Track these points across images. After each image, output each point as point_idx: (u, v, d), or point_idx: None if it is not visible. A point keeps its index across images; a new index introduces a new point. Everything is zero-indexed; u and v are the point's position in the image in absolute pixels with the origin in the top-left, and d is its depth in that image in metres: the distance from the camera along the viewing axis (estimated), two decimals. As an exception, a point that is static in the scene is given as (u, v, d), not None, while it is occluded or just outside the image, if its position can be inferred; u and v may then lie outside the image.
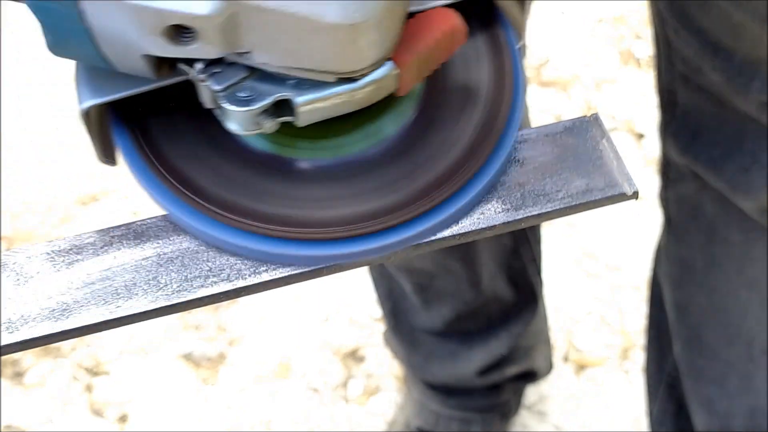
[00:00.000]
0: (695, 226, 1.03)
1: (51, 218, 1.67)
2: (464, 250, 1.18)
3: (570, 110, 1.77)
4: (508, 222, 0.51)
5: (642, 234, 1.54)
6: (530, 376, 1.38)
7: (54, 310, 0.48)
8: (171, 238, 0.51)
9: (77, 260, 0.50)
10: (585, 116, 0.54)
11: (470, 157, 0.50)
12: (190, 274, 0.49)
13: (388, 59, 0.46)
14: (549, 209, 0.51)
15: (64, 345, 1.53)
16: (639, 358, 1.45)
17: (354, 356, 1.52)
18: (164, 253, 0.50)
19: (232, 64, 0.46)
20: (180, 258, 0.50)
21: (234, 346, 1.53)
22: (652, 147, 1.68)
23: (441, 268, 1.21)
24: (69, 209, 1.68)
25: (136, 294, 0.49)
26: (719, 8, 0.84)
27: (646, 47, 1.85)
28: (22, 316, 0.48)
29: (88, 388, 1.50)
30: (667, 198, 1.06)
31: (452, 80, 0.52)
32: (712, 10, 0.85)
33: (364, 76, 0.46)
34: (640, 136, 1.73)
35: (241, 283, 0.49)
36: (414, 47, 0.47)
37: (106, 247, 0.50)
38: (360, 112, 0.49)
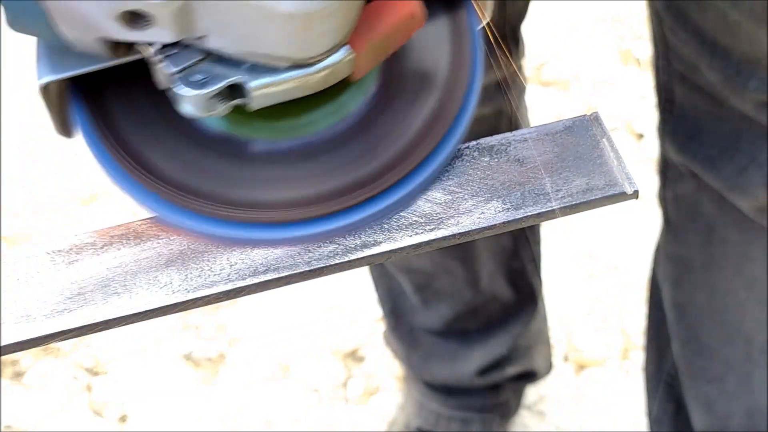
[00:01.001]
0: (693, 226, 1.03)
1: (51, 218, 1.67)
2: (463, 250, 1.18)
3: (570, 110, 1.77)
4: (508, 221, 0.51)
5: (642, 234, 1.54)
6: (530, 377, 1.38)
7: (54, 309, 0.48)
8: (171, 238, 0.51)
9: (77, 260, 0.50)
10: (585, 115, 0.54)
11: (419, 141, 0.50)
12: (190, 273, 0.49)
13: (344, 44, 0.46)
14: (549, 209, 0.51)
15: (64, 345, 1.53)
16: (639, 358, 1.45)
17: (354, 356, 1.52)
18: (164, 253, 0.50)
19: (187, 46, 0.46)
20: (180, 258, 0.50)
21: (234, 346, 1.53)
22: (652, 147, 1.68)
23: (440, 268, 1.21)
24: (69, 209, 1.68)
25: (136, 294, 0.49)
26: (715, 7, 0.84)
27: (646, 47, 1.85)
28: (22, 316, 0.48)
29: (88, 388, 1.50)
30: (665, 197, 1.06)
31: (410, 63, 0.52)
32: (708, 9, 0.85)
33: (319, 62, 0.46)
34: (640, 136, 1.73)
35: (241, 283, 0.49)
36: (370, 33, 0.47)
37: (106, 247, 0.50)
38: (315, 95, 0.49)
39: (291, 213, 0.48)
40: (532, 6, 1.05)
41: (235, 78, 0.46)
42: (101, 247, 0.50)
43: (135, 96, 0.50)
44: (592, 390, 1.47)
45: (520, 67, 1.12)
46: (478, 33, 0.53)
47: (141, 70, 0.48)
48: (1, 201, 1.67)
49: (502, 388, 1.37)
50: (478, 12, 0.53)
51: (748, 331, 1.05)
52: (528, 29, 1.09)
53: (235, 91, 0.47)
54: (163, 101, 0.49)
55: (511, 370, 1.33)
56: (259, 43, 0.45)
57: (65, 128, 0.51)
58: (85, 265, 0.50)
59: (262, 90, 0.46)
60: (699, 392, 1.12)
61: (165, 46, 0.45)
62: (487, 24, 0.54)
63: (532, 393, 1.47)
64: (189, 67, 0.46)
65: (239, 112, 0.49)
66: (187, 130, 0.50)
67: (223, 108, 0.47)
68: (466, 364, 1.31)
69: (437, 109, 0.51)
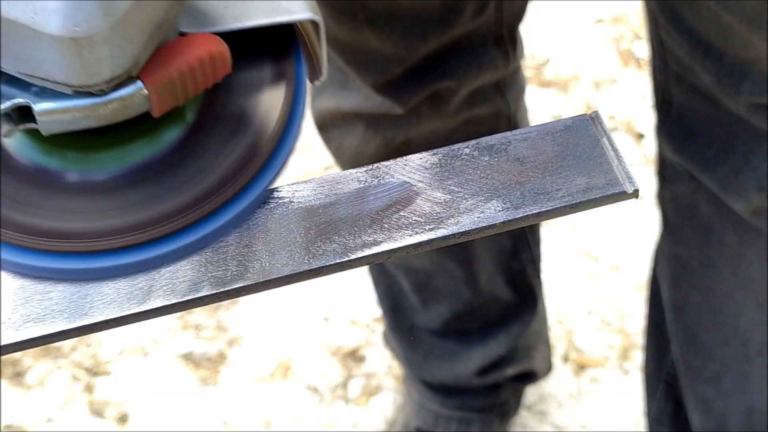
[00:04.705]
0: (691, 226, 1.03)
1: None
2: (461, 250, 1.18)
3: (570, 110, 1.77)
4: (508, 221, 0.51)
5: (642, 234, 1.54)
6: (529, 377, 1.38)
7: (54, 309, 0.48)
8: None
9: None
10: (585, 114, 0.54)
11: (229, 179, 0.50)
12: (190, 273, 0.49)
13: (136, 78, 0.46)
14: (549, 208, 0.51)
15: (64, 345, 1.53)
16: (639, 358, 1.45)
17: (354, 356, 1.52)
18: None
19: None
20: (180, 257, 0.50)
21: (234, 346, 1.53)
22: (652, 147, 1.68)
23: (438, 267, 1.21)
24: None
25: (136, 293, 0.49)
26: (708, 9, 0.84)
27: (645, 47, 1.85)
28: (22, 316, 0.48)
29: (88, 388, 1.50)
30: (663, 197, 1.06)
31: (228, 105, 0.52)
32: (701, 11, 0.85)
33: (104, 92, 0.46)
34: (640, 136, 1.73)
35: (241, 283, 0.49)
36: (165, 69, 0.47)
37: (105, 247, 0.50)
38: (128, 128, 0.49)
39: (100, 243, 0.48)
40: (531, 6, 1.05)
41: (20, 100, 0.46)
42: (101, 247, 0.50)
43: None
44: (592, 390, 1.47)
45: (518, 68, 1.12)
46: (303, 83, 0.53)
47: None
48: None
49: (501, 388, 1.37)
50: (316, 66, 0.54)
51: (745, 331, 1.05)
52: (528, 29, 1.08)
53: (27, 114, 0.47)
54: None
55: (511, 370, 1.33)
56: (34, 66, 0.45)
57: None
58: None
59: (49, 116, 0.46)
60: (697, 392, 1.12)
61: None
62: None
63: (532, 393, 1.47)
64: None
65: (52, 143, 0.49)
66: (5, 161, 0.50)
67: (9, 129, 0.47)
68: (466, 363, 1.31)
69: (248, 152, 0.50)
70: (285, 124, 0.51)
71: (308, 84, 0.54)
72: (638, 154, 1.69)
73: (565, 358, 1.50)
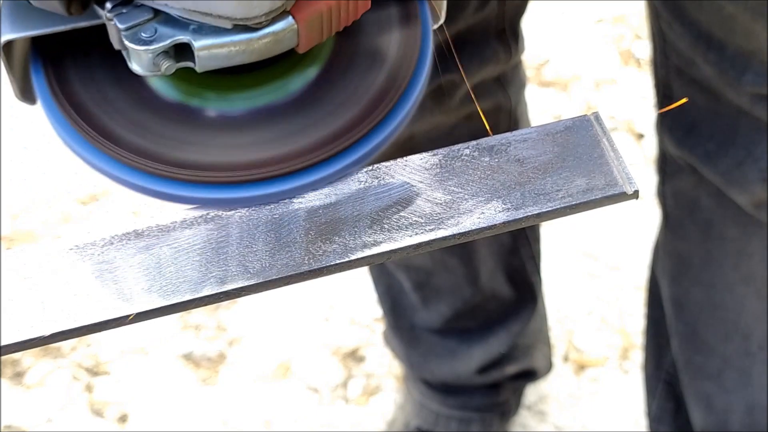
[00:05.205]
0: (692, 221, 1.03)
1: (51, 218, 1.67)
2: (462, 246, 1.19)
3: (570, 110, 1.77)
4: (508, 221, 0.51)
5: (642, 234, 1.54)
6: (530, 375, 1.38)
7: (54, 309, 0.48)
8: (171, 239, 0.51)
9: (78, 260, 0.50)
10: (585, 115, 0.54)
11: (368, 113, 0.52)
12: (191, 273, 0.49)
13: (287, 14, 0.48)
14: (549, 209, 0.51)
15: (64, 345, 1.53)
16: (639, 358, 1.45)
17: (354, 356, 1.52)
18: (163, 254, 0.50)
19: (140, 6, 0.48)
20: (180, 257, 0.50)
21: (234, 346, 1.53)
22: (652, 147, 1.68)
23: (439, 265, 1.21)
24: (69, 209, 1.68)
25: (137, 293, 0.49)
26: (711, 1, 0.84)
27: (646, 47, 1.85)
28: (22, 316, 0.48)
29: (88, 388, 1.50)
30: (664, 193, 1.06)
31: (361, 44, 0.54)
32: (704, 2, 0.85)
33: (260, 26, 0.48)
34: (640, 136, 1.73)
35: (241, 283, 0.49)
36: (314, 5, 0.49)
37: (106, 247, 0.50)
38: (267, 68, 0.51)
39: (242, 175, 0.50)
40: (531, 6, 1.05)
41: (180, 37, 0.48)
42: (102, 247, 0.50)
43: (94, 64, 0.52)
44: (592, 390, 1.47)
45: (519, 63, 1.12)
46: (429, 22, 0.55)
47: (101, 40, 0.50)
48: (1, 201, 1.67)
49: (501, 387, 1.37)
50: (435, 10, 0.56)
51: (747, 326, 1.05)
52: (528, 29, 1.09)
53: (183, 52, 0.48)
54: (121, 70, 0.50)
55: (511, 368, 1.33)
56: (200, 1, 0.46)
57: (25, 94, 0.53)
58: (85, 265, 0.50)
59: (207, 51, 0.48)
60: (698, 389, 1.12)
61: (117, 5, 0.47)
62: (442, 25, 0.56)
63: (532, 393, 1.47)
64: (138, 25, 0.47)
65: (191, 82, 0.51)
66: (144, 97, 0.52)
67: (168, 66, 0.48)
68: (466, 362, 1.31)
69: (386, 83, 0.52)
70: (416, 61, 0.53)
71: None
72: (638, 154, 1.69)
73: (565, 358, 1.50)
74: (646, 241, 1.37)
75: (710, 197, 0.98)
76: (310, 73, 0.53)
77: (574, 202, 0.51)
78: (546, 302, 1.34)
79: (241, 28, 0.48)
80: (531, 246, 1.25)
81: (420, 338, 1.31)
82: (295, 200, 0.51)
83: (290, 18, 0.48)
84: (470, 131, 1.07)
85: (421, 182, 0.52)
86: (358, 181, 0.52)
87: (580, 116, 0.54)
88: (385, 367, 1.50)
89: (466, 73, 1.02)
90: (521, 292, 1.28)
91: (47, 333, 0.48)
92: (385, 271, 1.26)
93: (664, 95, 0.98)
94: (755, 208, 0.95)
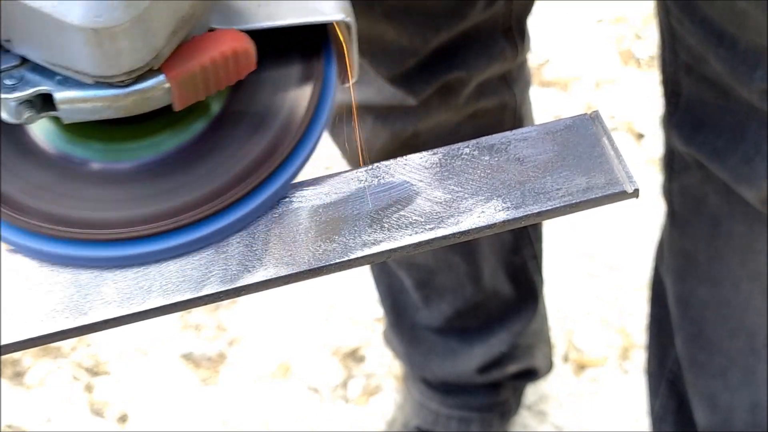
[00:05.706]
0: (698, 219, 1.03)
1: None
2: (465, 244, 1.18)
3: (570, 110, 1.77)
4: (508, 220, 0.51)
5: (642, 234, 1.54)
6: (530, 375, 1.38)
7: (54, 309, 0.48)
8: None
9: (77, 259, 0.50)
10: (585, 114, 0.54)
11: (244, 178, 0.50)
12: (191, 272, 0.49)
13: (158, 71, 0.47)
14: (549, 207, 0.51)
15: (64, 345, 1.53)
16: (639, 358, 1.45)
17: (354, 356, 1.52)
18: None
19: (7, 51, 0.46)
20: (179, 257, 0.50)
21: (234, 346, 1.53)
22: (653, 147, 1.68)
23: (442, 263, 1.21)
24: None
25: (137, 292, 0.49)
26: None
27: (646, 47, 1.85)
28: (22, 316, 0.48)
29: (88, 388, 1.50)
30: (671, 190, 1.06)
31: (254, 102, 0.52)
32: None
33: (124, 83, 0.46)
34: (640, 135, 1.73)
35: (241, 283, 0.49)
36: (187, 64, 0.47)
37: (105, 246, 0.50)
38: (154, 119, 0.49)
39: (123, 232, 0.49)
40: (535, 5, 1.05)
41: (43, 87, 0.46)
42: (101, 247, 0.50)
43: None
44: (592, 390, 1.47)
45: (525, 62, 1.12)
46: (332, 84, 0.53)
47: None
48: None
49: (502, 386, 1.37)
50: (348, 69, 0.54)
51: (752, 324, 1.05)
52: (529, 29, 1.09)
53: (50, 103, 0.47)
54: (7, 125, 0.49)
55: (512, 368, 1.33)
56: (57, 54, 0.45)
57: None
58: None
59: (69, 104, 0.47)
60: (702, 387, 1.12)
61: None
62: (353, 85, 0.54)
63: (532, 393, 1.47)
64: (4, 71, 0.46)
65: (77, 132, 0.50)
66: (25, 143, 0.51)
67: (30, 116, 0.47)
68: (467, 361, 1.31)
69: (270, 147, 0.51)
70: (309, 123, 0.52)
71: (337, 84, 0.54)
72: (638, 154, 1.69)
73: (565, 358, 1.50)
74: (646, 241, 1.37)
75: (718, 194, 0.98)
76: (197, 126, 0.51)
77: (574, 201, 0.51)
78: (546, 302, 1.34)
79: (104, 83, 0.46)
80: (533, 245, 1.25)
81: (421, 337, 1.31)
82: (295, 199, 0.51)
83: (161, 76, 0.47)
84: (475, 129, 1.07)
85: (421, 181, 0.52)
86: (358, 180, 0.52)
87: (581, 115, 0.54)
88: (385, 367, 1.50)
89: (475, 71, 1.02)
90: (523, 291, 1.28)
91: (47, 333, 0.48)
92: (386, 270, 1.26)
93: (672, 91, 0.98)
94: (764, 204, 0.95)
